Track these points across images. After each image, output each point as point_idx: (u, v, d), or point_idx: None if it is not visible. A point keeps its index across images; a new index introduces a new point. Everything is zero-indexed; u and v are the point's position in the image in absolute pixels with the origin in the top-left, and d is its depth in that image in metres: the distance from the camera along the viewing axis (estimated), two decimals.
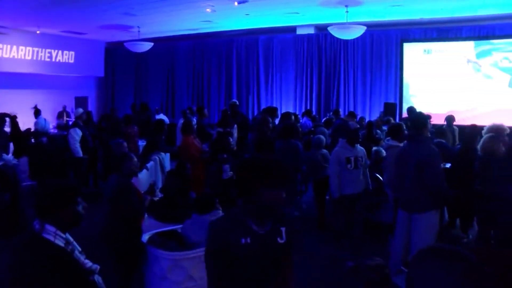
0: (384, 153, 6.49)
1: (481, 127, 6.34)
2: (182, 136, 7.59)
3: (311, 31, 15.08)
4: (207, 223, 4.14)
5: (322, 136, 7.40)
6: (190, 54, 17.10)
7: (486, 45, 12.06)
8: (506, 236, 4.14)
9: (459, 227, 6.79)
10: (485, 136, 5.50)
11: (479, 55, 11.97)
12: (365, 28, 11.45)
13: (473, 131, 6.25)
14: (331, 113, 11.08)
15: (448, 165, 6.24)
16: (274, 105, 13.53)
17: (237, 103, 11.14)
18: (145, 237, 4.32)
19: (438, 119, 9.53)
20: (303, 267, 5.55)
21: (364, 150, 6.18)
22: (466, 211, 6.30)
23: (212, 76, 16.77)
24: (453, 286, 1.32)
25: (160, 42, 15.67)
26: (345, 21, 11.53)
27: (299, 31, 15.23)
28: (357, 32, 11.55)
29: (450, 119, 9.39)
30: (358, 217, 6.08)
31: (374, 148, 7.11)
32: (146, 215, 4.81)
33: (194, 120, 9.59)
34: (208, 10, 11.21)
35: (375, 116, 12.42)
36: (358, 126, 6.92)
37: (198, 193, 5.53)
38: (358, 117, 10.87)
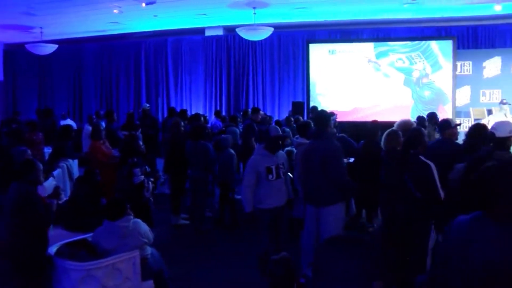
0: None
1: (382, 123, 6.77)
2: (90, 142, 7.37)
3: (220, 32, 15.20)
4: (119, 229, 4.09)
5: (229, 136, 7.50)
6: (97, 57, 16.54)
7: (383, 46, 12.82)
8: (405, 221, 4.49)
9: (365, 217, 7.19)
10: (387, 131, 5.81)
11: (379, 56, 12.71)
12: (272, 29, 11.74)
13: (375, 126, 6.62)
14: (241, 113, 11.23)
15: (351, 160, 6.58)
16: (184, 107, 13.52)
17: (148, 106, 11.02)
18: (53, 249, 4.11)
19: (343, 116, 9.99)
20: (215, 266, 5.63)
21: (285, 155, 5.61)
22: (371, 203, 6.69)
23: (120, 79, 16.35)
24: (353, 269, 1.43)
25: (66, 44, 15.03)
26: (253, 22, 11.75)
27: (207, 33, 15.29)
28: (264, 33, 11.81)
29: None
30: (281, 235, 5.44)
31: (287, 148, 7.31)
32: (52, 226, 4.59)
33: (103, 125, 9.31)
34: (115, 11, 10.93)
35: (284, 115, 12.77)
36: (279, 130, 5.71)
37: (108, 199, 5.39)
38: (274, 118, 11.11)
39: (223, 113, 13.39)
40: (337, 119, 9.20)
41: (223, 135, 7.68)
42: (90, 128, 8.92)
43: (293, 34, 14.55)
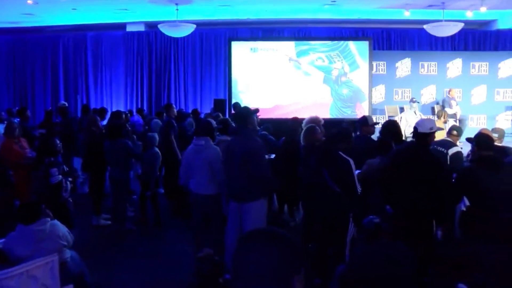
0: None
1: (302, 120, 6.96)
2: (3, 140, 6.96)
3: (142, 28, 14.93)
4: (34, 234, 3.91)
5: (155, 134, 7.41)
6: (10, 50, 15.58)
7: (304, 45, 13.15)
8: (325, 214, 4.67)
9: (287, 212, 7.37)
10: (305, 127, 6.01)
11: (299, 54, 13.02)
12: (194, 26, 11.71)
13: (295, 123, 6.79)
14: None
15: (272, 156, 6.73)
16: (104, 104, 13.15)
17: (65, 104, 10.57)
18: None
19: (265, 114, 10.12)
20: (139, 267, 5.54)
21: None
22: (292, 198, 6.88)
23: (36, 75, 15.53)
24: (271, 264, 1.37)
25: None
26: (175, 19, 11.65)
27: (129, 28, 14.97)
28: (187, 30, 11.75)
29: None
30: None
31: None
32: None
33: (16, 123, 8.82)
34: (29, 1, 10.35)
35: (206, 112, 12.76)
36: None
37: (23, 201, 5.14)
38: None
39: (145, 111, 13.17)
40: (259, 116, 9.35)
41: (149, 133, 7.56)
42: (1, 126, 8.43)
43: (215, 32, 14.58)
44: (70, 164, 7.88)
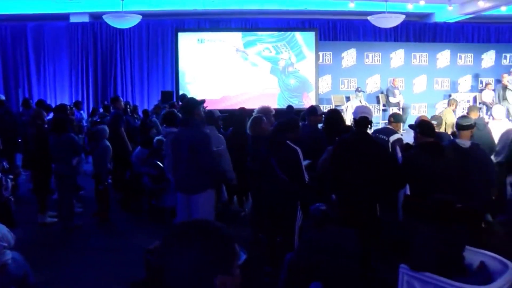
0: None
1: (250, 110, 7.00)
2: None
3: (86, 19, 14.50)
4: None
5: (105, 127, 7.24)
6: None
7: (251, 36, 13.21)
8: (273, 203, 4.73)
9: (236, 202, 7.41)
10: (251, 118, 6.05)
11: (246, 45, 13.07)
12: (140, 17, 11.50)
13: (242, 114, 6.81)
14: (109, 102, 10.85)
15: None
16: (48, 98, 12.72)
17: (3, 98, 10.13)
18: None
19: (212, 105, 10.09)
20: (88, 264, 5.43)
21: None
22: (241, 188, 6.91)
23: None
24: (191, 261, 1.29)
25: None
26: (120, 9, 11.39)
27: (72, 19, 14.50)
28: (132, 21, 11.52)
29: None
30: None
31: (157, 137, 7.26)
32: None
33: None
34: None
35: (153, 104, 12.61)
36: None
37: None
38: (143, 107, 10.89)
39: (91, 103, 12.85)
40: (207, 107, 9.33)
41: (99, 126, 7.37)
42: None
43: (162, 23, 14.37)
44: (12, 161, 7.60)
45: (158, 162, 6.78)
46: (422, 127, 4.72)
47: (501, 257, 3.48)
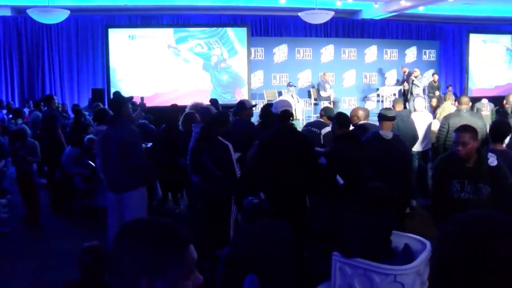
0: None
1: (182, 106, 6.99)
2: None
3: (8, 13, 13.78)
4: None
5: (24, 126, 6.97)
6: None
7: (183, 32, 13.13)
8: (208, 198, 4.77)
9: (171, 199, 7.37)
10: (185, 113, 6.04)
11: (178, 41, 12.97)
12: (68, 12, 11.09)
13: (174, 110, 6.78)
14: (40, 101, 10.41)
15: (149, 144, 6.67)
16: None
17: None
18: None
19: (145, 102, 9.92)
20: (18, 271, 5.21)
21: None
22: (175, 185, 6.90)
23: None
24: (125, 261, 1.22)
25: None
26: (47, 4, 10.95)
27: None
28: (60, 16, 11.10)
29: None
30: None
31: (88, 136, 7.08)
32: None
33: None
34: None
35: (83, 102, 12.25)
36: None
37: None
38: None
39: (17, 103, 12.27)
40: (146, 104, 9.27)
41: (20, 125, 7.07)
42: None
43: (91, 18, 13.93)
44: None
45: (90, 162, 6.62)
46: (340, 118, 5.07)
47: (421, 238, 3.70)
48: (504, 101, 8.64)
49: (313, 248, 5.12)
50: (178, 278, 1.19)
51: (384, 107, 6.13)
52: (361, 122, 5.93)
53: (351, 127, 6.18)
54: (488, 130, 5.27)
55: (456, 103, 8.18)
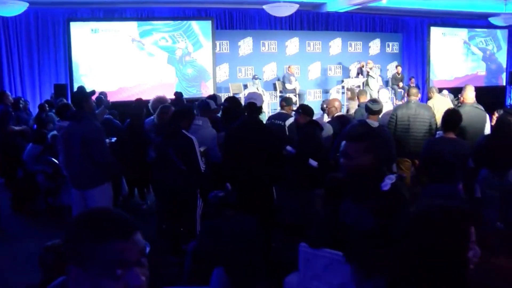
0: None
1: (146, 101, 6.91)
2: None
3: None
4: None
5: None
6: None
7: (147, 25, 12.97)
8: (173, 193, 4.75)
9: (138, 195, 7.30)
10: (160, 107, 5.95)
11: (142, 35, 12.80)
12: (27, 4, 10.76)
13: (139, 105, 6.70)
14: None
15: (113, 139, 6.59)
16: None
17: None
18: None
19: (109, 97, 9.76)
20: None
21: None
22: (141, 180, 6.84)
23: None
24: (69, 245, 1.21)
25: None
26: None
27: None
28: (18, 9, 10.76)
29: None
30: None
31: (51, 133, 6.94)
32: None
33: None
34: None
35: (46, 98, 11.94)
36: None
37: None
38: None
39: None
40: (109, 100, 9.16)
41: None
42: None
43: (52, 12, 13.53)
44: None
45: (53, 159, 6.50)
46: (305, 108, 5.28)
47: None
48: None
49: (281, 240, 5.18)
50: (100, 272, 1.12)
51: (371, 98, 6.24)
52: (339, 113, 6.05)
53: (329, 118, 6.32)
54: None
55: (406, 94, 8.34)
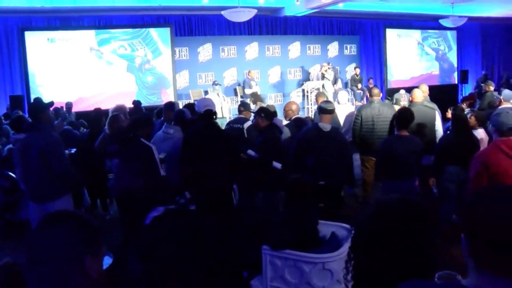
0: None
1: (105, 110, 6.86)
2: None
3: None
4: None
5: None
6: None
7: (105, 34, 12.83)
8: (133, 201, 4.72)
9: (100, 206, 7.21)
10: (110, 116, 5.94)
11: (100, 43, 12.66)
12: None
13: (98, 114, 6.65)
14: None
15: (73, 150, 6.50)
16: None
17: None
18: None
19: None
20: None
21: None
22: (103, 190, 6.77)
23: None
24: (61, 245, 1.42)
25: None
26: None
27: None
28: None
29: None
30: None
31: (7, 146, 6.79)
32: None
33: None
34: None
35: (1, 111, 11.62)
36: None
37: None
38: None
39: None
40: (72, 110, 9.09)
41: None
42: None
43: (5, 21, 13.19)
44: None
45: (10, 173, 6.35)
46: (265, 112, 5.31)
47: (347, 225, 3.88)
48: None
49: (244, 243, 5.22)
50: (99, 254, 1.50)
51: (324, 100, 6.37)
52: (295, 116, 6.15)
53: (287, 121, 6.41)
54: None
55: (368, 94, 8.55)
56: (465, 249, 1.28)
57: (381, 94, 7.33)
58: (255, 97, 6.75)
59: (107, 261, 3.41)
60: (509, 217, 1.19)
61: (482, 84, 10.63)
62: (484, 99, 8.60)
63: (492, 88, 9.10)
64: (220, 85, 12.85)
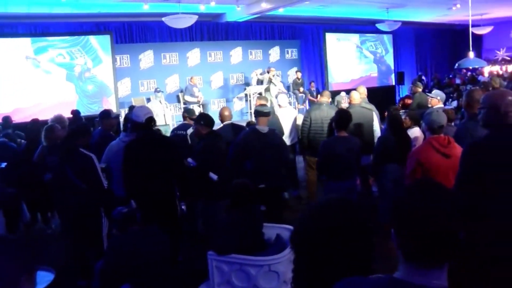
0: None
1: (43, 121, 6.66)
2: None
3: None
4: None
5: None
6: None
7: (42, 42, 12.44)
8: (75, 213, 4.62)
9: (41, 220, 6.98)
10: (46, 127, 5.74)
11: (37, 52, 12.27)
12: None
13: (35, 125, 6.46)
14: None
15: (3, 165, 6.27)
16: None
17: None
18: None
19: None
20: None
21: None
22: (43, 204, 6.55)
23: None
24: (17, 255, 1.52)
25: None
26: None
27: None
28: None
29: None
30: None
31: None
32: None
33: None
34: None
35: None
36: None
37: None
38: None
39: None
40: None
41: None
42: None
43: None
44: None
45: None
46: (205, 119, 5.28)
47: (292, 227, 3.97)
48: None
49: (189, 250, 5.22)
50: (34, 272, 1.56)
51: (259, 104, 6.48)
52: (228, 122, 6.20)
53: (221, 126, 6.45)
54: None
55: (319, 96, 8.74)
56: (394, 242, 1.37)
57: (330, 97, 7.52)
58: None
59: (48, 277, 3.33)
60: (427, 210, 1.29)
61: (411, 86, 11.15)
62: (414, 100, 9.04)
63: (420, 89, 9.56)
64: (162, 92, 12.73)
